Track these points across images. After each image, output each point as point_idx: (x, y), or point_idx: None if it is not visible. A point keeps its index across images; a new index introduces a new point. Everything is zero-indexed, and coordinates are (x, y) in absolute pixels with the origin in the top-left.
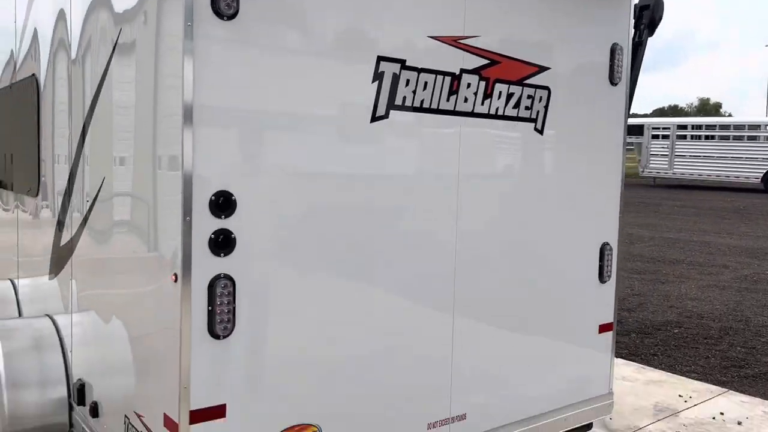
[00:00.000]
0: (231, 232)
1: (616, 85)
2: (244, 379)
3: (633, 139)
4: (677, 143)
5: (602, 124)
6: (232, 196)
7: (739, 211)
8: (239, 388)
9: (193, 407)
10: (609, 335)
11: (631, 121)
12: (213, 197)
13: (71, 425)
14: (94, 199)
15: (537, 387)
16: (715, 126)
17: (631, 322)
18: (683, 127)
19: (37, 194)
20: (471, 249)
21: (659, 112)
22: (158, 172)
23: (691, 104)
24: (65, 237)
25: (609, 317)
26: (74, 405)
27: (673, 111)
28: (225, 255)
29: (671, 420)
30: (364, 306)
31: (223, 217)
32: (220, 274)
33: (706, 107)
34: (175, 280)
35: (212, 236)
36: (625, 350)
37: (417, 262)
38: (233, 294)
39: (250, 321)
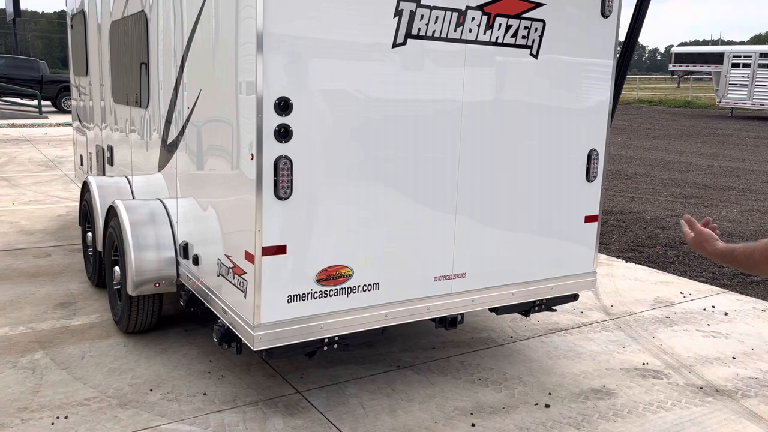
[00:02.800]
0: (289, 126)
1: (607, 17)
2: (299, 229)
3: (711, 68)
4: (759, 72)
5: (593, 50)
6: (290, 100)
7: None
8: (295, 235)
9: (265, 244)
10: (594, 225)
11: (710, 48)
12: (277, 101)
13: (178, 275)
14: (193, 106)
15: (529, 261)
16: None
17: (661, 237)
18: (766, 55)
19: (147, 105)
20: (473, 150)
21: (756, 40)
22: (239, 90)
23: None
24: (171, 136)
25: (595, 210)
26: (180, 260)
27: None
28: (285, 142)
29: (666, 309)
30: (390, 186)
31: (284, 115)
32: (282, 155)
33: None
34: (252, 158)
35: (276, 128)
36: (646, 259)
37: (426, 152)
38: (291, 169)
39: (303, 189)
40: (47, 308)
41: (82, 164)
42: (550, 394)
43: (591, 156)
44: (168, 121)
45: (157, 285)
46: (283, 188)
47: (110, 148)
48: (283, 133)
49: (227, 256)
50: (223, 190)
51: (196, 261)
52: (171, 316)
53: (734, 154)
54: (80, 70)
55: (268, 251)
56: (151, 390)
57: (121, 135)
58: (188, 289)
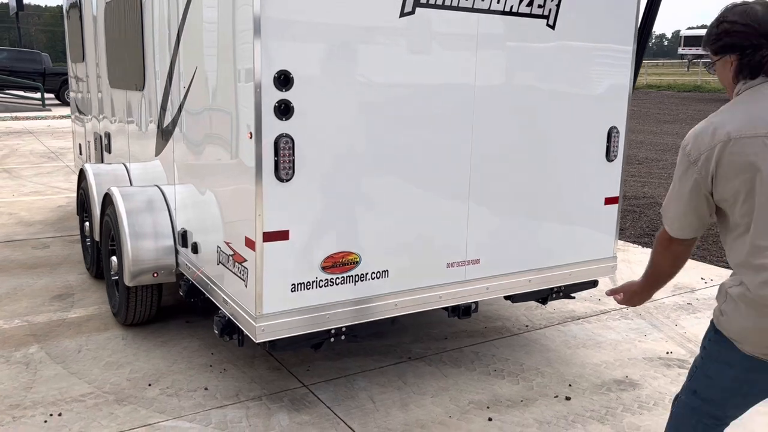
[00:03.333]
0: (290, 102)
1: None
2: (302, 213)
3: None
4: None
5: (612, 19)
6: (291, 74)
7: None
8: (299, 220)
9: (266, 230)
10: (614, 207)
11: None
12: (276, 74)
13: (177, 264)
14: (189, 85)
15: (546, 245)
16: None
17: None
18: None
19: (143, 88)
20: (486, 126)
21: None
22: (236, 62)
23: None
24: (167, 120)
25: (615, 192)
26: (179, 249)
27: None
28: (286, 119)
29: (686, 295)
30: (399, 166)
31: (284, 90)
32: (282, 133)
33: None
34: (251, 137)
35: (276, 104)
36: None
37: (437, 127)
38: (293, 149)
39: (306, 170)
40: (44, 300)
41: (81, 153)
42: (570, 385)
43: (611, 134)
44: (164, 105)
45: (155, 275)
46: (284, 169)
47: (108, 135)
48: (284, 110)
49: (227, 243)
50: (221, 173)
51: (195, 249)
52: (171, 307)
53: None
54: (77, 57)
55: (269, 237)
56: (149, 385)
57: (117, 121)
58: (188, 279)
